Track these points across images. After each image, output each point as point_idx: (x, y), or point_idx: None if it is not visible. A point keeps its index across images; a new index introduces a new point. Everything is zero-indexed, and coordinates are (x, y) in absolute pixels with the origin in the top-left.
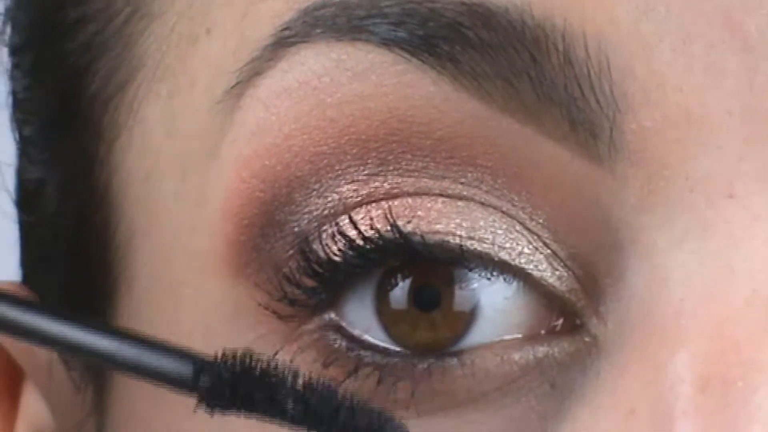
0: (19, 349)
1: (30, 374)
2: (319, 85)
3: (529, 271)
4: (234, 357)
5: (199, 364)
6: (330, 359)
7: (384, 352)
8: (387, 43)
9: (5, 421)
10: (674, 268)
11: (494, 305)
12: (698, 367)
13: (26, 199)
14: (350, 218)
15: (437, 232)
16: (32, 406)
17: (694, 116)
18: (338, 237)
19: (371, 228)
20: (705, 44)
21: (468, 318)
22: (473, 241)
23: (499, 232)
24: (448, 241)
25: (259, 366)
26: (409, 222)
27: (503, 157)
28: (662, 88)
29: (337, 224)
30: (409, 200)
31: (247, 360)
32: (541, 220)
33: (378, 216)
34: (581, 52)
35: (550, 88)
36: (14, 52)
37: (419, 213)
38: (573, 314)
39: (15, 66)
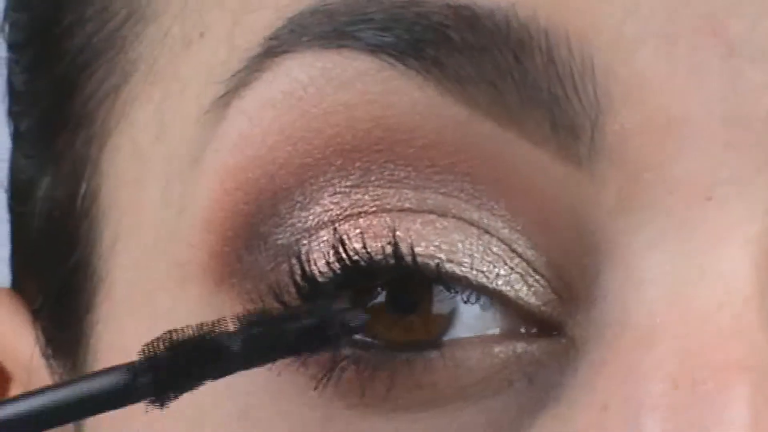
0: (5, 353)
1: (16, 378)
2: (304, 95)
3: (506, 292)
4: (154, 343)
5: (131, 367)
6: (306, 357)
7: (362, 345)
8: (373, 49)
9: None
10: (649, 269)
11: (473, 310)
12: (669, 365)
13: (18, 195)
14: (331, 239)
15: (418, 254)
16: None
17: (675, 118)
18: (318, 258)
19: (353, 250)
20: (688, 47)
21: (446, 321)
22: (452, 264)
23: (476, 255)
24: (428, 264)
25: (181, 338)
26: (389, 243)
27: (483, 163)
28: (644, 89)
29: (318, 242)
30: (388, 219)
31: (170, 338)
32: (519, 227)
33: (356, 237)
34: (565, 52)
35: (533, 89)
36: (13, 48)
37: (398, 234)
38: (549, 326)
39: (14, 61)
